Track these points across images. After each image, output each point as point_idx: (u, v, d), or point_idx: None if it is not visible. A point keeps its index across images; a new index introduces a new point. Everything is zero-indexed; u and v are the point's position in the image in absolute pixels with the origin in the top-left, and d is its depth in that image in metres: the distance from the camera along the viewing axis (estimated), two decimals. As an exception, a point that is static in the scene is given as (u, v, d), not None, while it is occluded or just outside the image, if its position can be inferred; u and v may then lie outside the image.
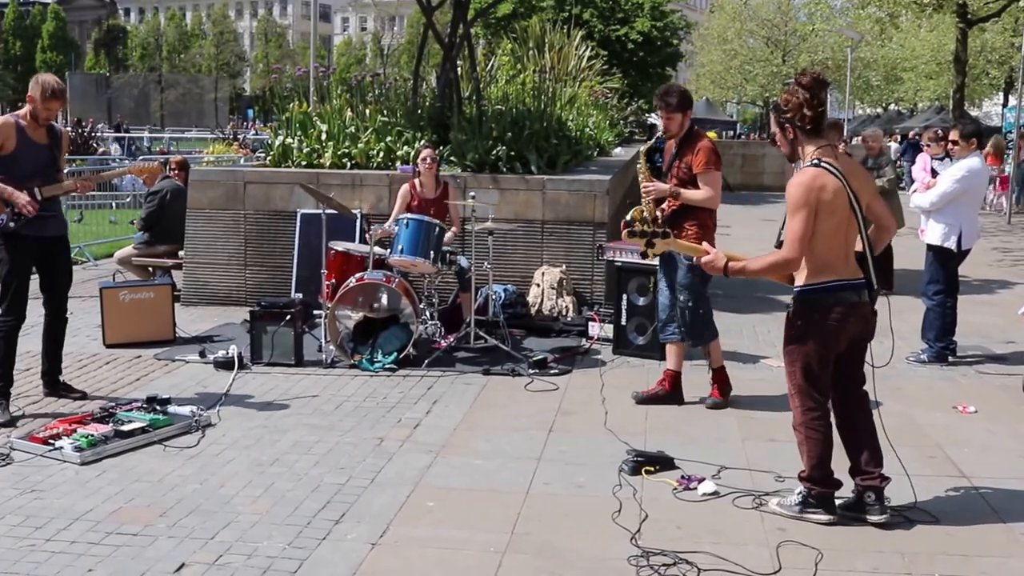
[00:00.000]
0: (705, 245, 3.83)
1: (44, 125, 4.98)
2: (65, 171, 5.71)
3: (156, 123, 54.65)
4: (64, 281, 5.24)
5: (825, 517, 3.72)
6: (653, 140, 5.66)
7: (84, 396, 5.25)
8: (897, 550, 3.52)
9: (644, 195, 5.21)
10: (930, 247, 6.38)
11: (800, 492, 3.79)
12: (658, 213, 5.19)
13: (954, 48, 22.02)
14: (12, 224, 4.85)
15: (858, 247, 3.66)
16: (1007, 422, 5.12)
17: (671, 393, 5.29)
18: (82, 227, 12.00)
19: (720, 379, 5.30)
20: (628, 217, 5.33)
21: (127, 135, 32.18)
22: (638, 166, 5.38)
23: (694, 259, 3.78)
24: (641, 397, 5.32)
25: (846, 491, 3.82)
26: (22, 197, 4.81)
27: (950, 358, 6.33)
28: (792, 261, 3.55)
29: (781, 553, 3.45)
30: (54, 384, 5.30)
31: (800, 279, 3.66)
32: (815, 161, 3.58)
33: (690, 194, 5.05)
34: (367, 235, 6.36)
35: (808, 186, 3.51)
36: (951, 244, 6.25)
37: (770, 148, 19.02)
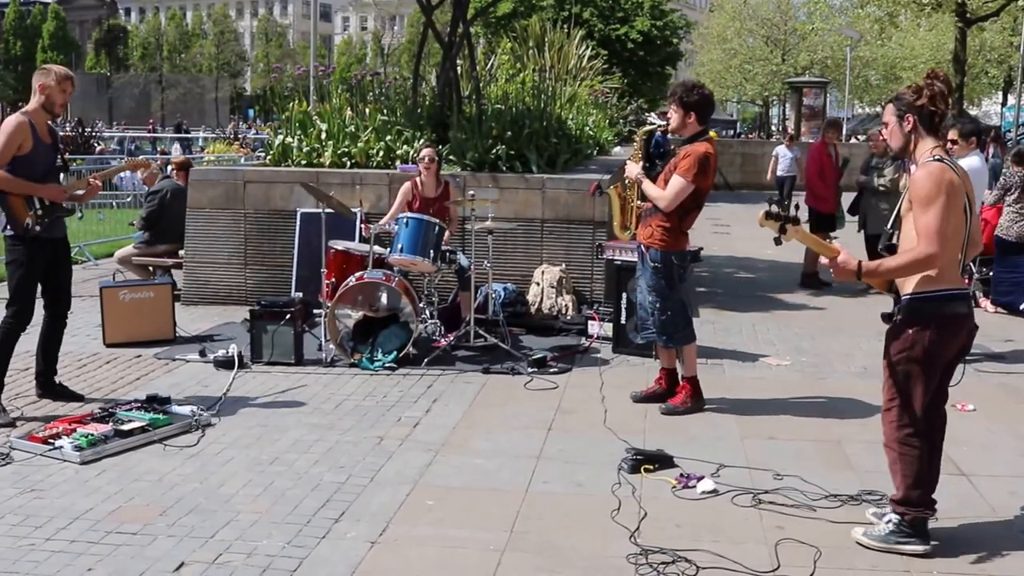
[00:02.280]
0: (836, 244, 3.53)
1: (58, 114, 4.93)
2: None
3: (157, 123, 54.74)
4: (68, 281, 5.19)
5: (920, 547, 3.43)
6: (652, 128, 5.64)
7: (81, 399, 5.17)
8: (896, 548, 3.53)
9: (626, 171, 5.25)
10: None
11: (890, 520, 3.49)
12: (640, 204, 5.22)
13: (953, 47, 22.05)
14: (37, 227, 4.82)
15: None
16: (1006, 420, 5.13)
17: (668, 391, 5.29)
18: (81, 226, 12.01)
19: (688, 387, 5.17)
20: (608, 188, 5.34)
21: (188, 135, 32.42)
22: (635, 142, 5.39)
23: (822, 260, 3.57)
24: (639, 396, 5.32)
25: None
26: (51, 188, 4.83)
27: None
28: (933, 257, 3.25)
29: (780, 551, 3.45)
30: (49, 386, 5.21)
31: (910, 285, 3.40)
32: (937, 156, 3.37)
33: (648, 186, 5.02)
34: (366, 225, 6.34)
35: (938, 178, 3.28)
36: None
37: (769, 147, 18.97)
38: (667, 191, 4.92)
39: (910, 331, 3.41)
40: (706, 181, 4.95)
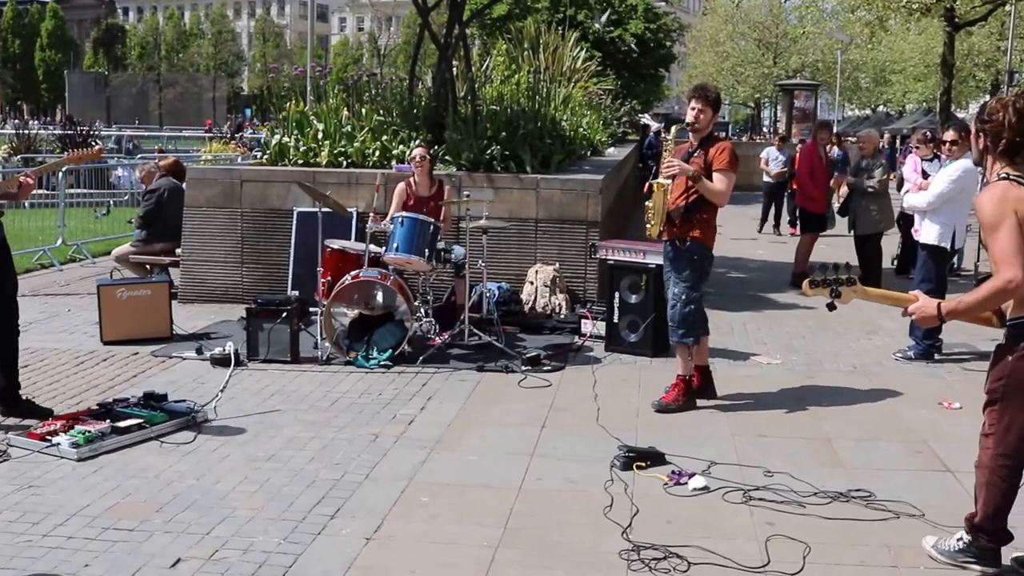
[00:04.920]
0: (914, 292, 3.44)
1: None
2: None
3: (155, 122, 54.71)
4: (11, 285, 4.85)
5: (990, 570, 3.35)
6: (652, 136, 5.64)
7: (49, 414, 4.82)
8: (883, 543, 3.57)
9: (664, 170, 5.11)
10: (924, 246, 6.46)
11: (961, 539, 3.41)
12: (674, 206, 5.14)
13: (941, 51, 22.19)
14: None
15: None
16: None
17: (702, 386, 5.31)
18: (79, 225, 12.03)
19: (682, 385, 5.23)
20: (649, 194, 5.30)
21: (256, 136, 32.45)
22: (666, 140, 5.30)
23: (904, 310, 3.39)
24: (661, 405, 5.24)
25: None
26: None
27: (936, 355, 6.41)
28: (1013, 282, 3.06)
29: (770, 547, 3.49)
30: (14, 402, 4.84)
31: (1011, 310, 3.25)
32: (1004, 174, 3.23)
33: (707, 183, 5.04)
34: (371, 215, 6.29)
35: (1001, 198, 3.14)
36: (947, 243, 6.34)
37: (761, 148, 19.03)
38: (719, 187, 5.06)
39: (1009, 358, 3.24)
40: (738, 169, 5.19)
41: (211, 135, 32.26)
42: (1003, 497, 3.32)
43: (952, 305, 3.25)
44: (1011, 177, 3.21)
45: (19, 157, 16.71)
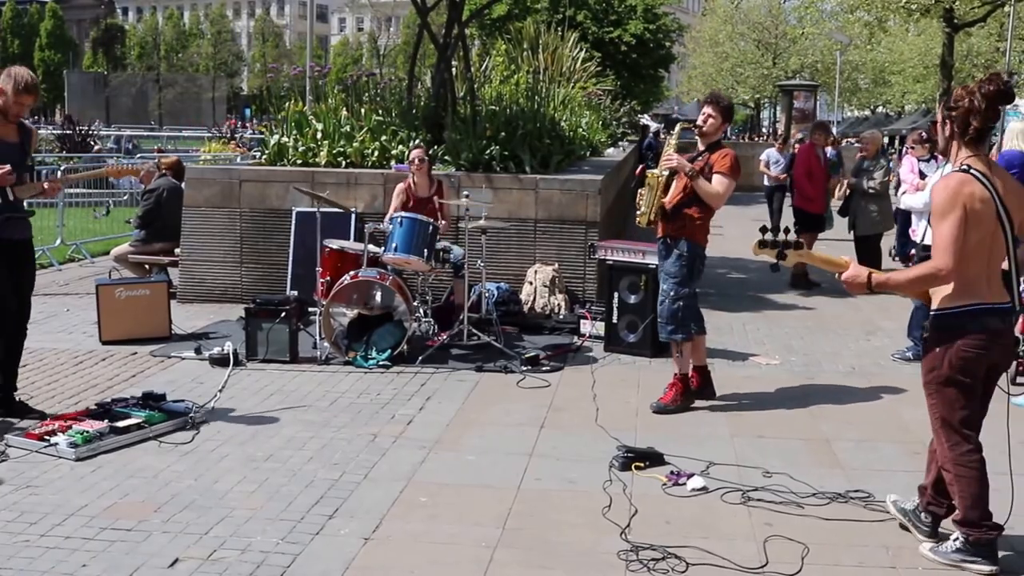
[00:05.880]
0: (848, 258, 3.53)
1: (14, 121, 4.70)
2: (56, 170, 5.63)
3: (154, 122, 54.67)
4: (29, 286, 4.91)
5: (987, 568, 3.33)
6: (650, 136, 5.71)
7: (43, 416, 4.81)
8: (882, 544, 3.57)
9: (663, 163, 5.17)
10: (922, 247, 6.45)
11: (957, 538, 3.42)
12: (664, 203, 5.17)
13: (940, 52, 22.23)
14: None
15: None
16: (986, 419, 5.17)
17: (701, 387, 5.31)
18: (78, 224, 12.02)
19: (679, 384, 5.23)
20: (641, 180, 5.34)
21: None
22: (669, 138, 5.39)
23: (836, 276, 3.50)
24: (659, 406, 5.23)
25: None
26: None
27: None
28: (943, 271, 3.18)
29: (768, 547, 3.49)
30: (7, 403, 4.85)
31: (937, 300, 3.32)
32: (964, 167, 3.27)
33: (703, 183, 5.07)
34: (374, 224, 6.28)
35: (955, 191, 3.20)
36: None
37: (760, 148, 19.05)
38: (717, 188, 5.09)
39: (937, 349, 3.32)
40: (739, 177, 5.23)
41: (223, 134, 32.02)
42: (977, 485, 3.34)
43: (882, 279, 3.37)
44: (972, 170, 3.26)
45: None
